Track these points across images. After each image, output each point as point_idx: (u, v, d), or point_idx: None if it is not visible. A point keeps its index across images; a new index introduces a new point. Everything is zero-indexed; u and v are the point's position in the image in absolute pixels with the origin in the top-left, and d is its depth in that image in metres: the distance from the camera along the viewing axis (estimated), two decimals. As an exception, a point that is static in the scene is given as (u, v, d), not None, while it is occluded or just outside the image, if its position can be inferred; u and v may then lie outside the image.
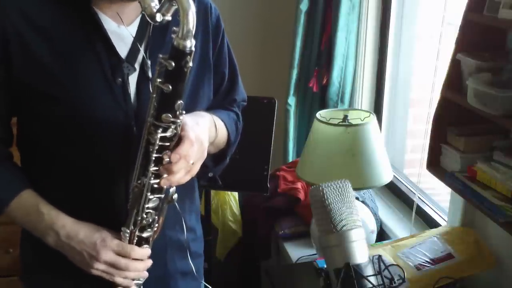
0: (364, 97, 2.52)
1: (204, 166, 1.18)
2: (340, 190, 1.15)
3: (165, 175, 1.08)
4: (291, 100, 2.60)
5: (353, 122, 1.90)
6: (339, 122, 1.89)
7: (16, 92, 1.12)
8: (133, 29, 1.16)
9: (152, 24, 1.14)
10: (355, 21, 2.40)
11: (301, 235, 2.26)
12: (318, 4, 2.45)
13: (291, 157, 2.67)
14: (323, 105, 2.49)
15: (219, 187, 1.46)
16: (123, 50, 1.14)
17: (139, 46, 1.15)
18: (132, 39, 1.15)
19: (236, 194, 2.55)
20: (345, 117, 1.92)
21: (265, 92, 2.22)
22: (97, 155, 1.14)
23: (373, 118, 1.89)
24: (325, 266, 1.17)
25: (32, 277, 1.29)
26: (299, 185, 2.34)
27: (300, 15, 2.48)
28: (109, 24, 1.14)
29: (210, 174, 1.37)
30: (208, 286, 1.36)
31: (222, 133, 1.29)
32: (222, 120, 1.30)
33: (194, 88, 1.23)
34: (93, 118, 1.12)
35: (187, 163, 1.08)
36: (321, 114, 1.95)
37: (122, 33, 1.15)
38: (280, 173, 2.45)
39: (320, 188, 1.14)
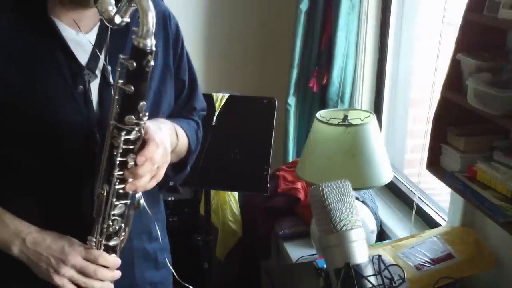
0: (364, 97, 2.52)
1: (165, 175, 1.16)
2: (340, 190, 1.15)
3: (130, 180, 1.06)
4: (291, 100, 2.60)
5: (353, 122, 1.90)
6: (339, 122, 1.89)
7: None
8: (92, 36, 1.15)
9: (110, 30, 1.13)
10: (355, 21, 2.40)
11: (301, 235, 2.26)
12: (318, 4, 2.45)
13: (291, 157, 2.67)
14: (323, 105, 2.49)
15: (179, 193, 1.44)
16: (83, 58, 1.14)
17: (99, 53, 1.14)
18: (91, 46, 1.14)
19: (236, 194, 2.55)
20: (345, 117, 1.92)
21: (265, 92, 2.23)
22: (61, 164, 1.13)
23: (373, 118, 1.89)
24: (325, 266, 1.17)
25: None
26: (299, 185, 2.34)
27: (300, 15, 2.48)
28: (68, 31, 1.13)
29: (171, 183, 1.35)
30: None
31: (183, 141, 1.29)
32: (182, 128, 1.29)
33: (156, 94, 1.23)
34: (56, 126, 1.10)
35: (152, 166, 1.07)
36: (321, 114, 1.95)
37: (81, 40, 1.14)
38: (280, 173, 2.45)
39: (320, 188, 1.14)
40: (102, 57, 1.15)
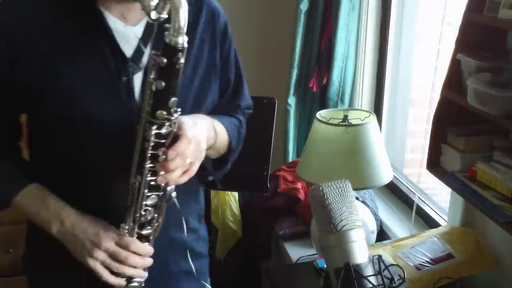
0: (364, 97, 2.52)
1: (204, 169, 1.18)
2: (340, 190, 1.15)
3: (162, 172, 1.08)
4: (291, 100, 2.60)
5: (353, 122, 1.90)
6: (339, 122, 1.89)
7: (23, 90, 1.14)
8: (139, 29, 1.17)
9: (157, 24, 1.14)
10: (355, 21, 2.40)
11: (301, 235, 2.26)
12: (318, 4, 2.45)
13: (291, 157, 2.67)
14: (323, 105, 2.49)
15: (218, 188, 1.45)
16: (128, 50, 1.16)
17: (144, 46, 1.16)
18: (137, 39, 1.16)
19: (236, 194, 2.55)
20: (345, 117, 1.91)
21: (265, 92, 2.22)
22: (101, 153, 1.16)
23: (373, 118, 1.89)
24: (325, 266, 1.17)
25: (35, 272, 1.31)
26: (299, 185, 2.34)
27: (300, 15, 2.48)
28: (115, 23, 1.15)
29: (210, 178, 1.37)
30: (208, 286, 1.36)
31: (222, 137, 1.29)
32: (223, 125, 1.30)
33: (199, 91, 1.24)
34: (98, 116, 1.13)
35: (183, 161, 1.09)
36: (321, 114, 1.95)
37: (128, 33, 1.16)
38: (280, 173, 2.45)
39: (320, 188, 1.14)
40: (146, 50, 1.16)
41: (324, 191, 1.14)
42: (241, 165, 2.13)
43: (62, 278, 1.25)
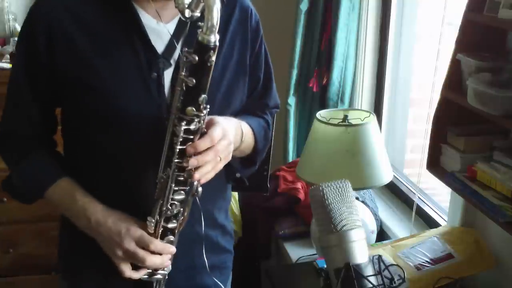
0: (364, 97, 2.52)
1: (231, 166, 1.21)
2: (340, 190, 1.14)
3: (191, 163, 1.09)
4: (291, 100, 2.60)
5: (353, 122, 1.90)
6: (339, 122, 1.89)
7: (58, 82, 1.18)
8: (171, 26, 1.20)
9: (190, 22, 1.15)
10: (355, 21, 2.40)
11: (301, 235, 2.26)
12: (318, 4, 2.45)
13: (291, 157, 2.67)
14: (323, 105, 2.49)
15: (246, 185, 1.47)
16: (160, 46, 1.19)
17: (176, 43, 1.19)
18: (169, 35, 1.19)
19: (236, 194, 2.55)
20: (345, 117, 1.91)
21: (265, 92, 2.22)
22: (130, 146, 1.18)
23: (373, 118, 1.89)
24: (325, 266, 1.17)
25: (67, 266, 1.35)
26: (299, 185, 2.34)
27: (300, 15, 2.48)
28: (148, 20, 1.18)
29: (238, 175, 1.39)
30: (221, 285, 1.37)
31: (249, 139, 1.31)
32: (250, 126, 1.31)
33: (228, 90, 1.26)
34: (128, 110, 1.16)
35: (215, 155, 1.10)
36: (321, 114, 1.95)
37: (160, 30, 1.19)
38: (280, 173, 2.45)
39: (320, 188, 1.14)
40: (178, 47, 1.19)
41: (324, 191, 1.13)
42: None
43: (91, 269, 1.28)
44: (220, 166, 1.15)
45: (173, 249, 1.18)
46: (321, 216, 1.15)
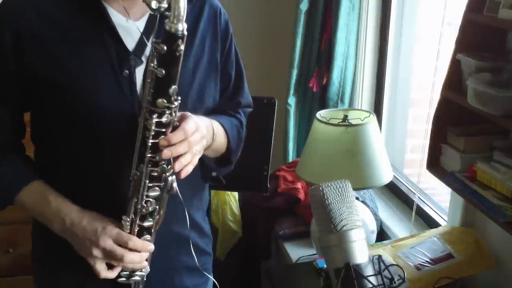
0: (364, 97, 2.52)
1: (207, 165, 1.20)
2: (340, 190, 1.15)
3: (165, 150, 1.07)
4: (291, 100, 2.60)
5: (353, 122, 1.90)
6: (339, 122, 1.89)
7: (28, 83, 1.16)
8: (141, 23, 1.20)
9: (159, 18, 1.15)
10: (355, 21, 2.40)
11: (301, 235, 2.26)
12: (318, 4, 2.45)
13: (291, 157, 2.66)
14: (323, 105, 2.49)
15: (223, 184, 1.46)
16: (130, 44, 1.18)
17: (146, 40, 1.18)
18: (139, 33, 1.18)
19: (236, 194, 2.55)
20: (345, 117, 1.91)
21: (265, 92, 2.22)
22: (103, 145, 1.17)
23: (373, 118, 1.89)
24: (325, 266, 1.17)
25: (42, 269, 1.33)
26: (299, 185, 2.34)
27: (300, 15, 2.48)
28: (117, 18, 1.17)
29: (214, 174, 1.38)
30: (216, 283, 1.37)
31: (221, 138, 1.30)
32: (223, 126, 1.31)
33: (201, 88, 1.26)
34: (100, 109, 1.15)
35: (188, 146, 1.09)
36: (321, 114, 1.95)
37: (130, 27, 1.19)
38: (280, 173, 2.45)
39: (320, 188, 1.14)
40: (149, 44, 1.18)
41: (324, 191, 1.13)
42: (241, 165, 2.14)
43: (67, 272, 1.27)
44: (197, 158, 1.14)
45: (151, 246, 1.17)
46: (321, 216, 1.15)
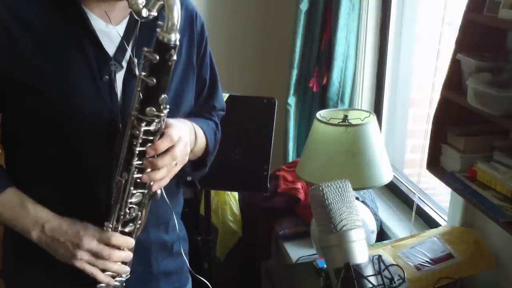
0: (364, 97, 2.52)
1: (182, 169, 1.19)
2: (340, 190, 1.15)
3: (148, 170, 1.08)
4: (291, 100, 2.60)
5: (353, 122, 1.90)
6: (339, 122, 1.89)
7: (6, 88, 1.13)
8: (121, 28, 1.18)
9: (139, 23, 1.15)
10: (355, 21, 2.40)
11: (301, 235, 2.26)
12: (318, 4, 2.45)
13: (291, 157, 2.67)
14: (323, 105, 2.49)
15: (198, 188, 1.45)
16: (111, 49, 1.16)
17: (126, 45, 1.17)
18: (120, 38, 1.17)
19: (236, 194, 2.55)
20: (345, 117, 1.92)
21: (265, 92, 2.22)
22: (81, 151, 1.15)
23: (373, 118, 1.89)
24: (325, 266, 1.17)
25: (13, 277, 1.29)
26: (299, 185, 2.34)
27: (300, 15, 2.48)
28: (97, 22, 1.15)
29: (189, 178, 1.38)
30: (208, 284, 1.37)
31: (201, 141, 1.30)
32: (201, 128, 1.31)
33: (178, 92, 1.24)
34: (79, 114, 1.12)
35: (172, 160, 1.09)
36: (321, 114, 1.95)
37: (110, 32, 1.16)
38: (280, 173, 2.45)
39: (320, 188, 1.14)
40: (129, 49, 1.17)
41: (324, 191, 1.14)
42: (241, 165, 2.14)
43: (45, 282, 1.24)
44: (176, 170, 1.14)
45: (132, 241, 1.17)
46: (321, 216, 1.15)
